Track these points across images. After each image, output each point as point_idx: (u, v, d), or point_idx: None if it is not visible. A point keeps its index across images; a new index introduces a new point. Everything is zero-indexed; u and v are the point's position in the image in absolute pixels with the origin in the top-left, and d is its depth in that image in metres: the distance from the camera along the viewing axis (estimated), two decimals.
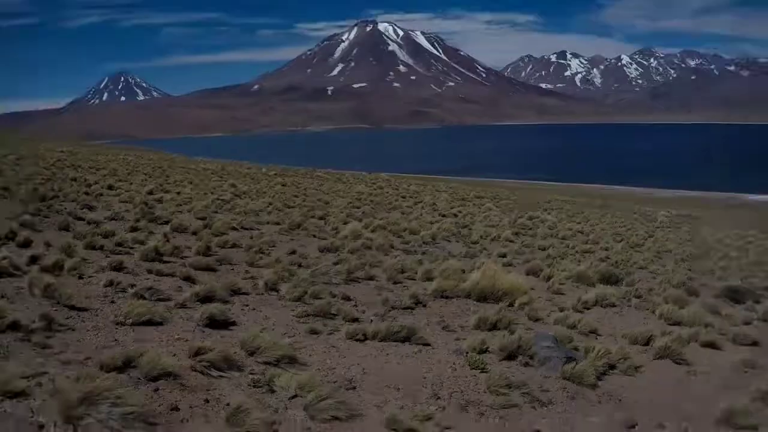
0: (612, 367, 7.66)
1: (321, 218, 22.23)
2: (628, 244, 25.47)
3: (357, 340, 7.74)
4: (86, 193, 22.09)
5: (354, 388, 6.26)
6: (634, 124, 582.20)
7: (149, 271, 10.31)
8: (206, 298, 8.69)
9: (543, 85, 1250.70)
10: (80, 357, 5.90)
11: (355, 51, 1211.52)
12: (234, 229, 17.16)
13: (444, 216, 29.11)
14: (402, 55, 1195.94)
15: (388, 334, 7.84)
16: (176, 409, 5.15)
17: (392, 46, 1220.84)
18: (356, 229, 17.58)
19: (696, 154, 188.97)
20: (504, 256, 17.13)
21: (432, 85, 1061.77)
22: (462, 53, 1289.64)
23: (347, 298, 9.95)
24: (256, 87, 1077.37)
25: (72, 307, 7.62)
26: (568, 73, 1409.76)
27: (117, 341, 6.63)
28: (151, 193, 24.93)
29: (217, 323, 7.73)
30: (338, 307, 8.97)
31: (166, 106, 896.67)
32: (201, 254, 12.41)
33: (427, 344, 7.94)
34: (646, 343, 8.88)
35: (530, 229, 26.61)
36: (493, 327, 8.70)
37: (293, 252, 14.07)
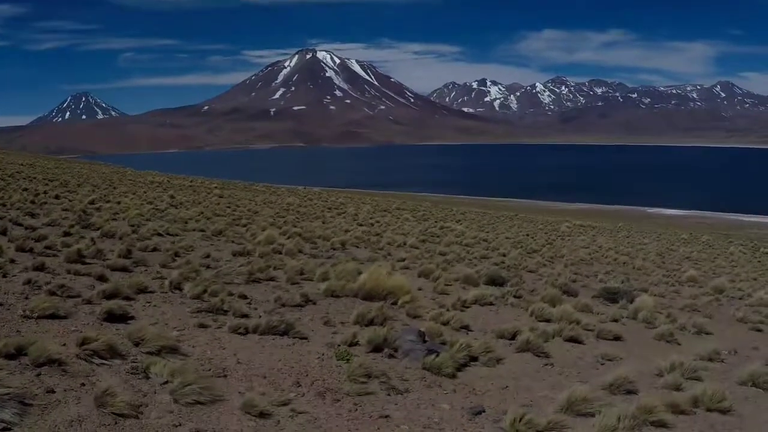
0: (474, 359, 7.53)
1: (244, 226, 21.84)
2: (525, 250, 25.56)
3: (239, 333, 7.50)
4: (32, 202, 21.48)
5: (225, 376, 6.11)
6: (546, 145, 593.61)
7: (68, 272, 9.92)
8: (111, 295, 8.37)
9: (465, 109, 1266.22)
10: None
11: (295, 77, 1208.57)
12: (159, 234, 16.63)
13: (361, 225, 28.89)
14: (338, 80, 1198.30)
15: (267, 328, 7.61)
16: (52, 391, 5.04)
17: (329, 73, 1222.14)
18: (271, 236, 17.24)
19: (600, 172, 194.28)
20: (403, 260, 16.98)
21: (365, 108, 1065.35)
22: (392, 80, 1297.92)
23: (243, 297, 9.66)
24: (205, 108, 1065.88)
25: None
26: (487, 98, 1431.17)
27: (19, 332, 6.49)
28: (92, 202, 24.04)
29: (114, 317, 7.46)
30: (230, 304, 8.70)
31: (125, 125, 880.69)
32: (121, 257, 12.01)
33: (304, 338, 7.74)
34: (512, 338, 8.79)
35: (437, 237, 26.54)
36: (370, 323, 8.50)
37: (207, 256, 13.67)
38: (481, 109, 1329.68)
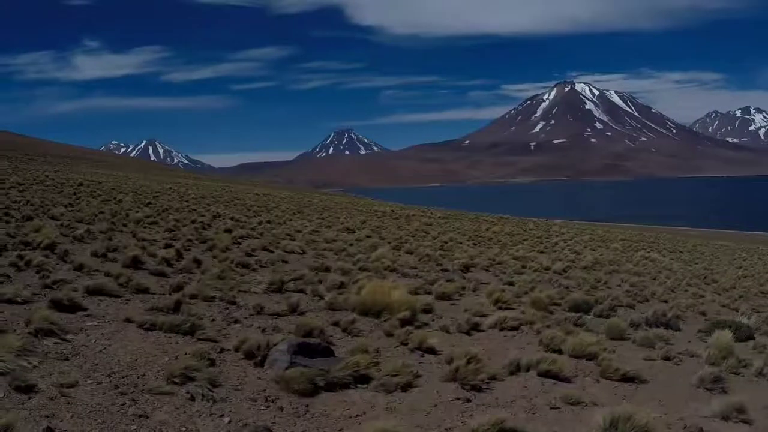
0: (364, 380, 6.47)
1: (395, 248, 21.58)
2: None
3: (145, 329, 7.30)
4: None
5: None
6: None
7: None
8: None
9: (729, 139, 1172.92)
10: None
11: (555, 110, 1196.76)
12: (267, 250, 16.87)
13: (541, 252, 27.56)
14: (598, 112, 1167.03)
15: (171, 327, 7.24)
16: None
17: (589, 105, 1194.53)
18: (382, 254, 16.76)
19: None
20: (512, 284, 15.63)
21: (626, 141, 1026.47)
22: (653, 110, 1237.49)
23: (232, 302, 9.35)
24: (466, 142, 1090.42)
25: None
26: (752, 127, 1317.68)
27: None
28: (266, 222, 25.69)
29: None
30: (189, 310, 8.39)
31: (386, 159, 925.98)
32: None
33: (212, 339, 7.32)
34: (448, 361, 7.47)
35: (612, 265, 24.44)
36: (308, 334, 7.71)
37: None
38: (745, 139, 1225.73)
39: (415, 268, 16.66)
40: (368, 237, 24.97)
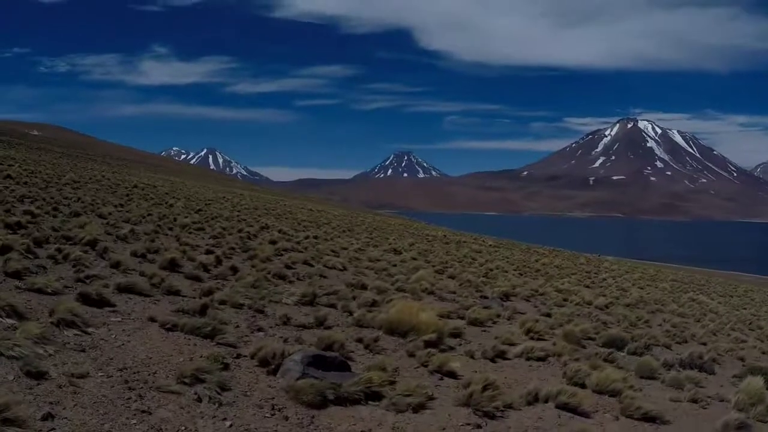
0: (376, 397, 6.39)
1: (438, 271, 21.48)
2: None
3: (167, 329, 7.39)
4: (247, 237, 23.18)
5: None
6: None
7: None
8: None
9: None
10: None
11: (616, 146, 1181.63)
12: (308, 264, 16.94)
13: (587, 287, 27.14)
14: (659, 151, 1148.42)
15: (192, 328, 7.30)
16: None
17: (650, 143, 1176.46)
18: (422, 276, 16.66)
19: None
20: (549, 315, 15.34)
21: (685, 181, 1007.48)
22: (715, 152, 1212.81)
23: (260, 311, 9.38)
24: (525, 173, 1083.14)
25: None
26: None
27: None
28: (313, 237, 25.96)
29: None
30: (215, 315, 8.43)
31: (444, 184, 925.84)
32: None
33: (231, 344, 7.33)
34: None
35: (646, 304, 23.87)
36: (329, 347, 7.67)
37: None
38: None
39: (454, 292, 16.50)
40: (413, 259, 24.90)
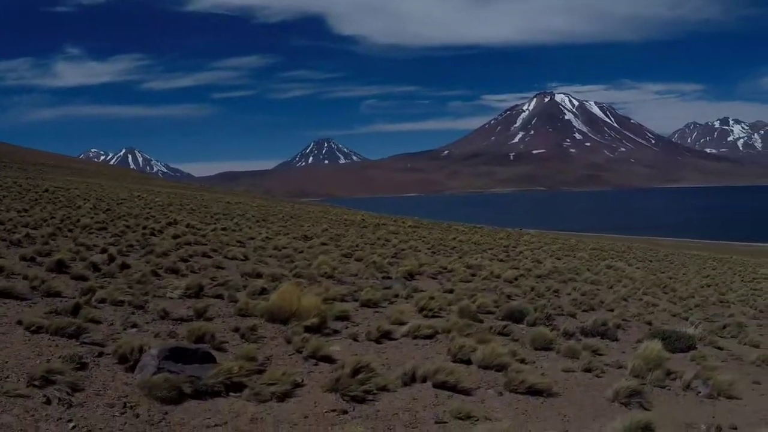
0: (237, 387, 6.29)
1: (346, 255, 21.45)
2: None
3: (32, 331, 7.17)
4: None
5: None
6: None
7: None
8: None
9: (708, 150, 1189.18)
10: None
11: (534, 120, 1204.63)
12: (207, 256, 16.73)
13: (500, 261, 27.50)
14: (577, 123, 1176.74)
15: (57, 329, 7.14)
16: None
17: (568, 116, 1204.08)
18: (323, 261, 16.60)
19: None
20: (451, 291, 15.48)
21: (605, 151, 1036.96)
22: (632, 121, 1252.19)
23: (140, 306, 9.19)
24: (445, 152, 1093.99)
25: None
26: (730, 138, 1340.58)
27: None
28: (221, 229, 25.60)
29: None
30: (88, 314, 8.19)
31: (365, 169, 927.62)
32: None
33: (99, 344, 7.15)
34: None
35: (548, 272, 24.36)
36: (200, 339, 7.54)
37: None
38: (723, 150, 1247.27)
39: (356, 275, 16.47)
40: (323, 245, 24.82)
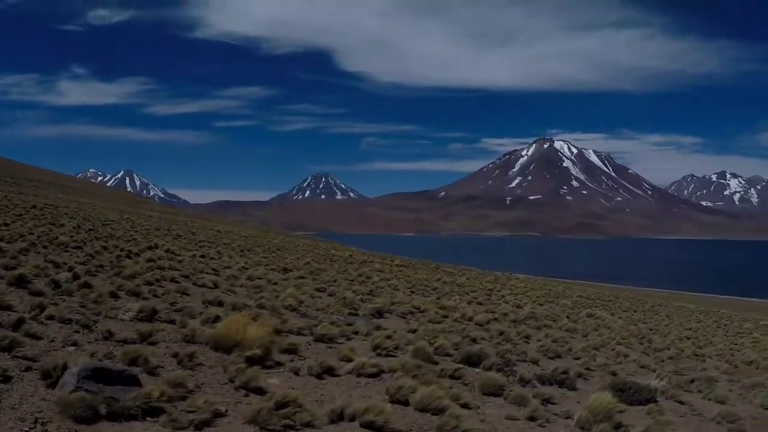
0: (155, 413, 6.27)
1: (319, 290, 21.45)
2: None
3: None
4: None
5: None
6: None
7: None
8: None
9: (704, 203, 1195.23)
10: None
11: (532, 166, 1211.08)
12: (175, 281, 16.72)
13: (479, 304, 27.45)
14: (575, 170, 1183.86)
15: None
16: None
17: (566, 163, 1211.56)
18: (291, 293, 16.59)
19: None
20: (415, 331, 15.45)
21: (601, 200, 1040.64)
22: (630, 171, 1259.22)
23: (86, 326, 9.18)
24: (442, 194, 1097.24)
25: None
26: (727, 192, 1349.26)
27: None
28: (200, 256, 25.68)
29: None
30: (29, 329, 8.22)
31: (362, 206, 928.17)
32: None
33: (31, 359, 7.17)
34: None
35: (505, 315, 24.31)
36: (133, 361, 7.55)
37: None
38: (720, 203, 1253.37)
39: (322, 309, 16.43)
40: (300, 278, 24.75)
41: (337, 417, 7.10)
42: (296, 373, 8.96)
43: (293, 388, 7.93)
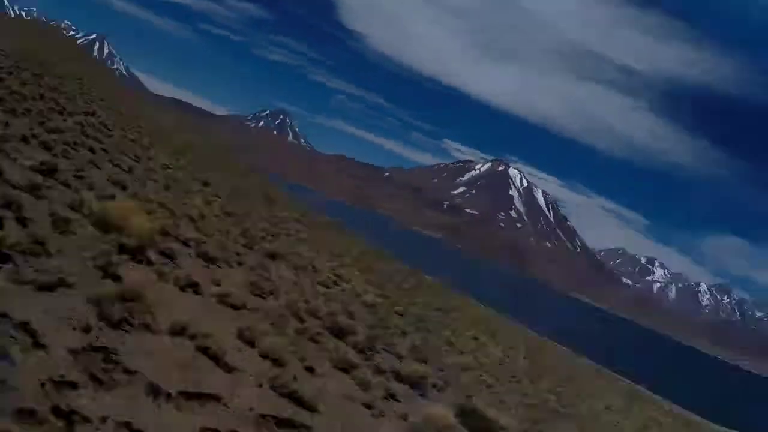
0: None
1: (228, 214, 21.24)
2: None
3: None
4: None
5: None
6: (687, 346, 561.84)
7: None
8: None
9: (624, 280, 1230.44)
10: None
11: (480, 181, 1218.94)
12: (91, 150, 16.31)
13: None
14: (518, 202, 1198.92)
15: None
16: None
17: (513, 191, 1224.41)
18: (197, 204, 16.43)
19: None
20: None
21: (531, 238, 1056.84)
22: (569, 223, 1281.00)
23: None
24: (387, 174, 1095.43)
25: None
26: (649, 277, 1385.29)
27: None
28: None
29: None
30: None
31: (311, 157, 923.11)
32: None
33: None
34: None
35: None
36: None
37: None
38: (638, 285, 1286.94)
39: (219, 231, 16.27)
40: (216, 197, 24.44)
41: (179, 331, 7.01)
42: (161, 275, 8.74)
43: (149, 289, 7.80)
